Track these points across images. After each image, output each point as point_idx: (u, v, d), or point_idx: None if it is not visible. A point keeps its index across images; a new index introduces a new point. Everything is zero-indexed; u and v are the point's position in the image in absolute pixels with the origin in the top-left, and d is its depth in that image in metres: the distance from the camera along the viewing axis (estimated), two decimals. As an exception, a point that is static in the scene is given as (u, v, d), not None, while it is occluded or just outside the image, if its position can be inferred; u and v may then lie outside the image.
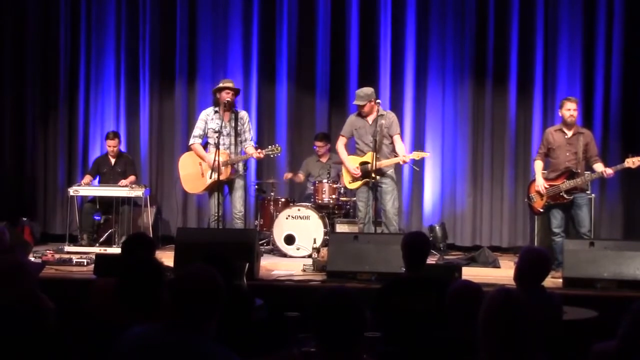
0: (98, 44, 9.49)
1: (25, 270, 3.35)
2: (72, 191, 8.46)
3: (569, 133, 7.09)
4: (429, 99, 9.14)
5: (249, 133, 7.81)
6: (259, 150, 7.61)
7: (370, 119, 7.59)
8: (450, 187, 9.10)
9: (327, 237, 7.44)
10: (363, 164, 7.58)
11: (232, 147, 7.66)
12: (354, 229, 7.78)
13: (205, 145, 7.75)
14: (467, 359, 2.80)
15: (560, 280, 6.34)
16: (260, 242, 7.52)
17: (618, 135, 8.65)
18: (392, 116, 7.69)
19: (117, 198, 8.41)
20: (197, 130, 7.73)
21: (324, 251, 6.94)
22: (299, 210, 8.13)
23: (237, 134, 7.69)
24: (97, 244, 8.36)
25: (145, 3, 9.39)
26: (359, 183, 7.65)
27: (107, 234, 8.44)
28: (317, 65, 9.25)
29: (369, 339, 3.03)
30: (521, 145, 8.94)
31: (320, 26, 9.21)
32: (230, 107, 7.67)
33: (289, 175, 8.97)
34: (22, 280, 3.25)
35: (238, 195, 7.71)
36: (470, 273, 6.47)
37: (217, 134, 7.47)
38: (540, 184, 7.13)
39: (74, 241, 8.43)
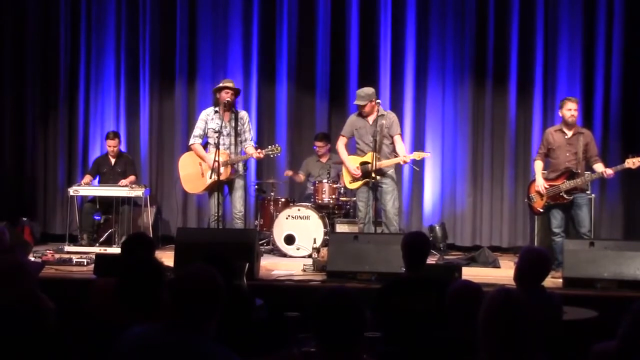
0: (98, 44, 9.49)
1: (25, 270, 3.34)
2: (72, 191, 8.46)
3: (569, 133, 7.09)
4: (429, 99, 9.14)
5: (249, 133, 7.81)
6: (259, 150, 7.61)
7: (370, 119, 7.59)
8: (450, 187, 9.10)
9: (327, 237, 7.44)
10: (363, 164, 7.58)
11: (232, 147, 7.66)
12: (354, 229, 7.78)
13: (205, 145, 7.75)
14: (467, 359, 2.80)
15: (560, 280, 6.34)
16: (260, 242, 7.52)
17: (618, 135, 8.65)
18: (392, 116, 7.69)
19: (117, 198, 8.41)
20: (197, 130, 7.73)
21: (324, 251, 6.94)
22: (299, 210, 8.13)
23: (237, 134, 7.68)
24: (97, 244, 8.36)
25: (145, 3, 9.39)
26: (359, 183, 7.65)
27: (107, 234, 8.44)
28: (317, 65, 9.25)
29: (369, 339, 3.03)
30: (521, 145, 8.94)
31: (320, 26, 9.21)
32: (230, 107, 7.66)
33: (289, 172, 8.97)
34: (22, 280, 3.25)
35: (238, 195, 7.71)
36: (470, 273, 6.47)
37: (217, 134, 7.47)
38: (540, 184, 7.13)
39: (74, 241, 8.44)
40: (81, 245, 8.31)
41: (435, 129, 9.13)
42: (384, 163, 7.51)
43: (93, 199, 8.63)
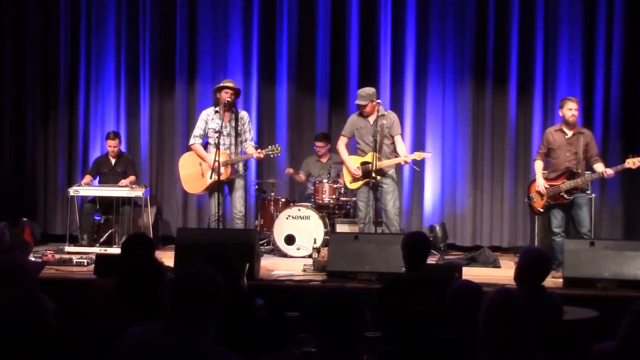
0: (98, 44, 9.49)
1: (25, 270, 3.34)
2: (72, 191, 8.46)
3: (569, 133, 7.08)
4: (429, 99, 9.14)
5: (249, 133, 7.81)
6: (259, 151, 7.61)
7: (371, 119, 7.59)
8: (450, 187, 9.10)
9: (328, 237, 7.45)
10: (364, 164, 7.57)
11: (232, 147, 7.66)
12: (355, 229, 7.78)
13: (205, 145, 7.75)
14: (467, 359, 2.80)
15: (561, 280, 6.34)
16: (260, 242, 7.52)
17: (618, 135, 8.66)
18: (393, 116, 7.69)
19: (117, 198, 8.40)
20: (198, 130, 7.73)
21: (324, 251, 6.93)
22: (299, 210, 8.13)
23: (237, 134, 7.68)
24: (97, 244, 8.36)
25: (145, 3, 9.39)
26: (359, 183, 7.65)
27: (107, 234, 8.43)
28: (317, 65, 9.25)
29: (369, 339, 3.03)
30: (521, 145, 8.94)
31: (320, 26, 9.21)
32: (231, 107, 7.66)
33: (290, 170, 8.97)
34: (22, 280, 3.25)
35: (238, 195, 7.71)
36: (470, 273, 6.47)
37: (217, 134, 7.47)
38: (541, 184, 7.13)
39: (74, 241, 8.43)
40: (81, 245, 8.31)
41: (436, 129, 9.13)
42: (385, 163, 7.51)
43: (93, 199, 8.63)
